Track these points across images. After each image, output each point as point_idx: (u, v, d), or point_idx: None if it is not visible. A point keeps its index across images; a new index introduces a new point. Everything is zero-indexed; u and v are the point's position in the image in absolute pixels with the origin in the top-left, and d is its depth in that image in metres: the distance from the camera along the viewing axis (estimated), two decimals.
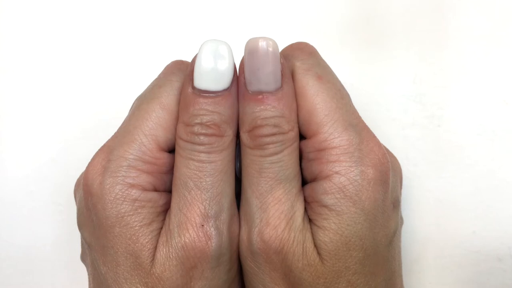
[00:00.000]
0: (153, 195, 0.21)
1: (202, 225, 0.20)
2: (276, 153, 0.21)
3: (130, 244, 0.20)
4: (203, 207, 0.20)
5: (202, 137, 0.20)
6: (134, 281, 0.20)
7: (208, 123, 0.20)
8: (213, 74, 0.20)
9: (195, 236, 0.20)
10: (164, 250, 0.20)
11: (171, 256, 0.20)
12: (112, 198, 0.20)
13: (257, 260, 0.21)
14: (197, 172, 0.20)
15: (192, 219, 0.20)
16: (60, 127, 0.31)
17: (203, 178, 0.20)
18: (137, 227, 0.20)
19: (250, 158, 0.21)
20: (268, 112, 0.21)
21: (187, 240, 0.20)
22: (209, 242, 0.20)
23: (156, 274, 0.20)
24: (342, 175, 0.20)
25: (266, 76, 0.20)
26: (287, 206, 0.21)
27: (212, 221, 0.20)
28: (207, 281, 0.20)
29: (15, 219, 0.31)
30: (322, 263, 0.20)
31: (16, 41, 0.31)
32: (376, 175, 0.20)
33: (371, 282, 0.21)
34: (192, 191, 0.20)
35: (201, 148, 0.20)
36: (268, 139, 0.21)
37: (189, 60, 0.22)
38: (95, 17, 0.31)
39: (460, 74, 0.30)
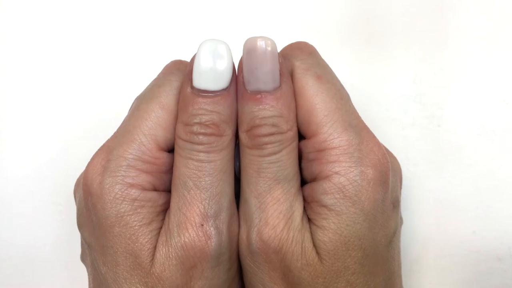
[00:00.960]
0: (153, 194, 0.21)
1: (202, 225, 0.20)
2: (274, 153, 0.21)
3: (130, 243, 0.20)
4: (202, 206, 0.20)
5: (201, 137, 0.20)
6: (133, 281, 0.20)
7: (207, 123, 0.20)
8: (212, 73, 0.20)
9: (194, 235, 0.20)
10: (164, 249, 0.20)
11: (171, 256, 0.20)
12: (112, 198, 0.20)
13: (256, 259, 0.21)
14: (196, 172, 0.20)
15: (192, 218, 0.20)
16: (60, 127, 0.31)
17: (202, 177, 0.20)
18: (136, 227, 0.20)
19: (249, 158, 0.21)
20: (266, 111, 0.21)
21: (186, 240, 0.20)
22: (208, 242, 0.20)
23: (156, 274, 0.20)
24: (342, 176, 0.20)
25: (264, 75, 0.20)
26: (285, 206, 0.21)
27: (211, 221, 0.20)
28: (207, 281, 0.20)
29: (15, 219, 0.31)
30: (321, 262, 0.20)
31: (16, 41, 0.31)
32: (375, 175, 0.20)
33: (370, 282, 0.21)
34: (191, 190, 0.20)
35: (200, 147, 0.20)
36: (266, 139, 0.21)
37: (188, 60, 0.22)
38: (95, 17, 0.32)
39: (460, 74, 0.30)
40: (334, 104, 0.21)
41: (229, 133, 0.21)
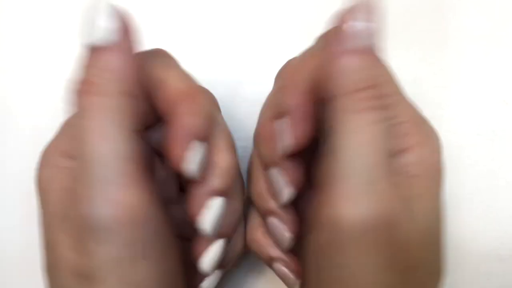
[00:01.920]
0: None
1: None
2: (382, 120, 0.19)
3: None
4: None
5: None
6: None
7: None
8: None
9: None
10: None
11: None
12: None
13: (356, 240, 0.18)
14: None
15: None
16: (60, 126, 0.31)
17: None
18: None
19: (356, 123, 0.19)
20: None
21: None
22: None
23: None
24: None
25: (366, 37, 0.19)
26: (391, 181, 0.19)
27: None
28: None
29: (15, 219, 0.31)
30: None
31: (16, 40, 0.31)
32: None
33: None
34: None
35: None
36: (376, 102, 0.19)
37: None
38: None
39: (460, 74, 0.30)
40: None
41: None
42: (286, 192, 0.22)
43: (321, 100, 0.20)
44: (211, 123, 0.22)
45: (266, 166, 0.23)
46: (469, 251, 0.29)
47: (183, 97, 0.21)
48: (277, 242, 0.24)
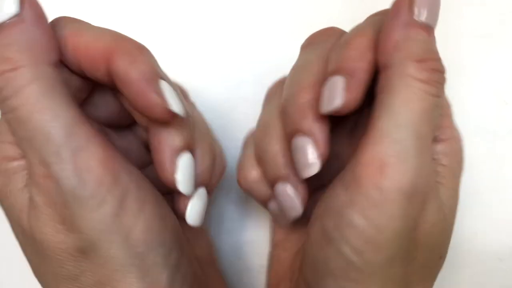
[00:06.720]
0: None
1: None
2: (439, 96, 0.19)
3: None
4: None
5: None
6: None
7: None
8: None
9: None
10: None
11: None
12: None
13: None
14: None
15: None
16: None
17: None
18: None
19: (413, 91, 0.19)
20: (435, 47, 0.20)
21: None
22: None
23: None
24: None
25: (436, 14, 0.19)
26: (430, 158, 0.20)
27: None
28: None
29: None
30: None
31: None
32: None
33: None
34: None
35: None
36: (438, 76, 0.19)
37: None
38: (94, 18, 0.32)
39: (460, 74, 0.30)
40: None
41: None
42: (314, 165, 0.20)
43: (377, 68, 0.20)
44: (184, 99, 0.22)
45: (294, 132, 0.21)
46: (469, 251, 0.29)
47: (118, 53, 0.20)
48: (284, 209, 0.22)
